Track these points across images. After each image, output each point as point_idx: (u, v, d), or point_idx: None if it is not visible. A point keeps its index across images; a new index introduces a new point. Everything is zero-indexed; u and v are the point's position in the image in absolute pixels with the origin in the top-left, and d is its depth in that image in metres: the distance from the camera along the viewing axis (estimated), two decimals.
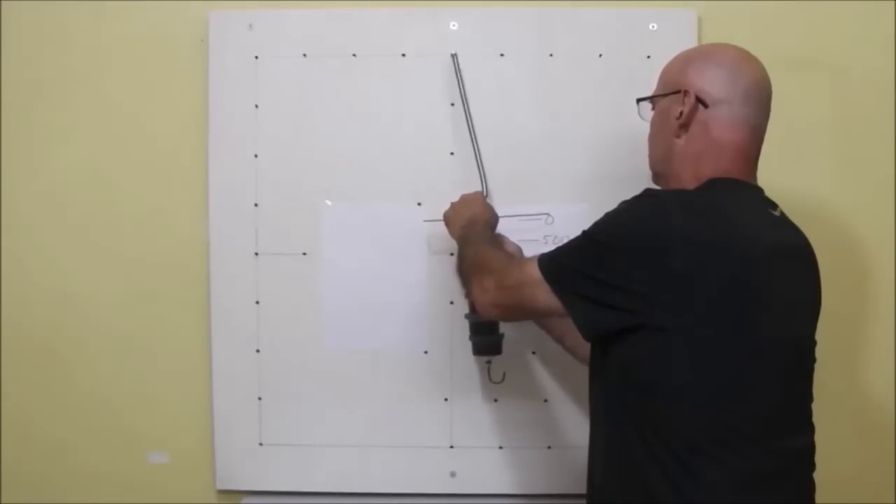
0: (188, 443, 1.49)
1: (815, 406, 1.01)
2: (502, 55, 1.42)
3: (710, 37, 1.38)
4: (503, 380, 1.39)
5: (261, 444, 1.45)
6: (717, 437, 0.90)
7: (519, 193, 1.40)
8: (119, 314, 1.48)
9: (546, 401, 1.43)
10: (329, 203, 1.43)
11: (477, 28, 1.42)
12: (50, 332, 1.49)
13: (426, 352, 1.43)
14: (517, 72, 1.41)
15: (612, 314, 0.92)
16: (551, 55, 1.41)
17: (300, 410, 1.45)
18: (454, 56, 1.40)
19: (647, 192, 0.96)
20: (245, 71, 1.43)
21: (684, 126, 1.01)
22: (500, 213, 1.33)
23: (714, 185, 0.97)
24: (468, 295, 1.22)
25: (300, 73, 1.42)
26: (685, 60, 1.04)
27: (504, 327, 1.32)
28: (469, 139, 1.39)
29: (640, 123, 1.11)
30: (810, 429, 1.00)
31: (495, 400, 1.43)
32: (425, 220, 1.39)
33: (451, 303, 1.42)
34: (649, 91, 1.09)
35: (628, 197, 0.95)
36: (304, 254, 1.43)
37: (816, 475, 1.00)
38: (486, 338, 1.32)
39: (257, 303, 1.44)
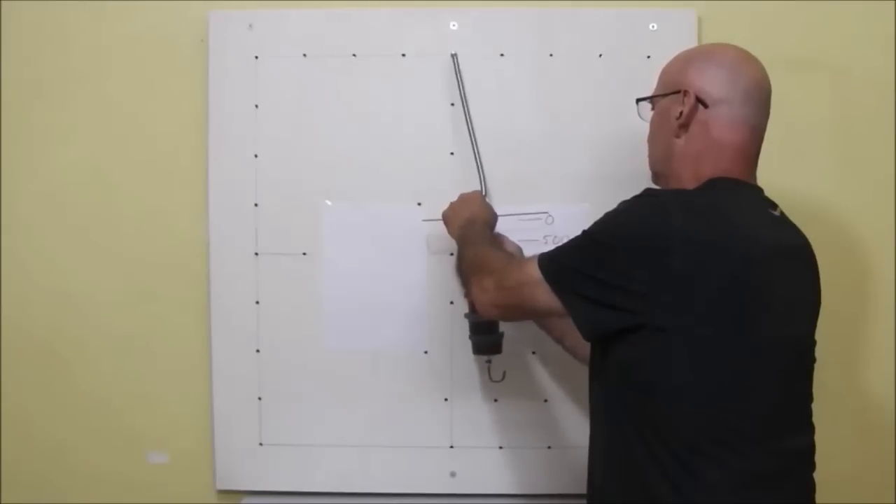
0: (188, 443, 1.49)
1: (815, 406, 1.01)
2: (502, 55, 1.42)
3: (710, 37, 1.38)
4: (503, 378, 1.39)
5: (261, 444, 1.45)
6: (717, 437, 0.90)
7: (519, 193, 1.40)
8: (119, 314, 1.48)
9: (546, 401, 1.43)
10: (329, 203, 1.43)
11: (477, 28, 1.42)
12: (50, 332, 1.49)
13: (426, 352, 1.43)
14: (517, 72, 1.41)
15: (612, 314, 0.92)
16: (551, 55, 1.41)
17: (300, 410, 1.45)
18: (454, 56, 1.40)
19: (647, 192, 0.96)
20: (245, 71, 1.43)
21: (684, 126, 1.01)
22: (499, 213, 1.33)
23: (714, 185, 0.97)
24: (468, 295, 1.22)
25: (300, 73, 1.42)
26: (685, 60, 1.04)
27: (504, 327, 1.32)
28: (469, 139, 1.39)
29: (640, 123, 1.11)
30: (810, 429, 1.00)
31: (495, 400, 1.43)
32: (424, 220, 1.39)
33: (451, 303, 1.42)
34: (649, 91, 1.09)
35: (628, 197, 0.95)
36: (304, 254, 1.43)
37: (816, 475, 1.00)
38: (486, 337, 1.32)
39: (257, 303, 1.44)
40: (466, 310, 1.35)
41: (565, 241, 1.00)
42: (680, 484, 0.90)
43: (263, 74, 1.43)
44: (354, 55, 1.42)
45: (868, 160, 1.44)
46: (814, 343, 1.02)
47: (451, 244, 1.32)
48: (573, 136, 1.41)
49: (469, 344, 1.35)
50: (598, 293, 0.92)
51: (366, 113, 1.42)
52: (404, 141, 1.42)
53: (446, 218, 1.32)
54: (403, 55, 1.42)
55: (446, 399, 1.44)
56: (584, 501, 1.07)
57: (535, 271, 0.98)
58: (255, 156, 1.43)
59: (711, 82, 1.00)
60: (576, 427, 1.40)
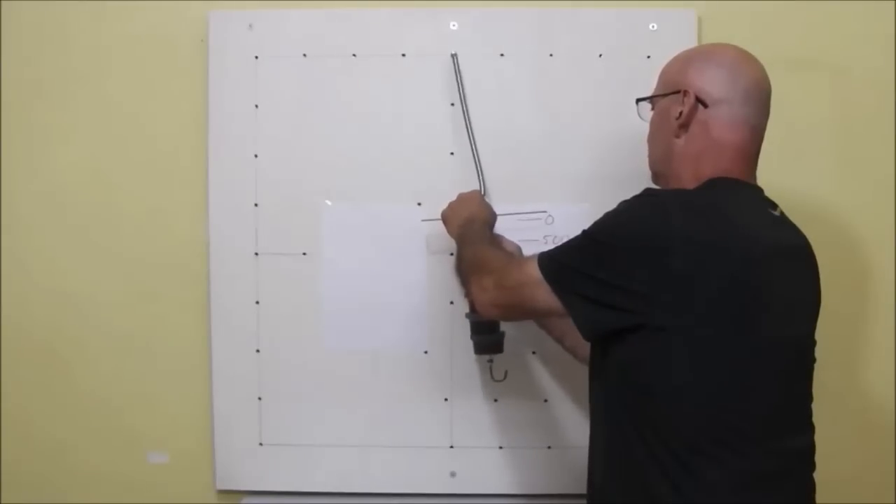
0: (188, 443, 1.49)
1: (815, 406, 1.01)
2: (502, 55, 1.42)
3: (710, 37, 1.38)
4: (505, 378, 1.39)
5: (261, 444, 1.45)
6: (717, 437, 0.90)
7: (519, 193, 1.40)
8: (119, 314, 1.48)
9: (546, 401, 1.43)
10: (329, 203, 1.43)
11: (477, 28, 1.42)
12: (50, 332, 1.49)
13: (426, 352, 1.43)
14: (517, 72, 1.41)
15: (612, 314, 0.92)
16: (551, 55, 1.41)
17: (300, 410, 1.45)
18: (454, 56, 1.41)
19: (647, 192, 0.96)
20: (245, 71, 1.43)
21: (684, 126, 1.01)
22: (498, 213, 1.33)
23: (714, 185, 0.97)
24: (467, 294, 1.22)
25: (300, 73, 1.42)
26: (685, 60, 1.04)
27: (504, 326, 1.32)
28: (468, 139, 1.40)
29: (640, 123, 1.11)
30: (810, 429, 1.00)
31: (495, 400, 1.43)
32: (423, 220, 1.39)
33: (451, 303, 1.42)
34: (649, 91, 1.09)
35: (628, 197, 0.95)
36: (304, 254, 1.43)
37: (816, 475, 1.00)
38: (486, 337, 1.32)
39: (257, 303, 1.44)
40: (467, 310, 1.35)
41: (565, 240, 1.00)
42: (680, 484, 0.90)
43: (263, 74, 1.43)
44: (354, 55, 1.42)
45: (868, 160, 1.44)
46: (814, 343, 1.02)
47: (451, 244, 1.32)
48: (573, 136, 1.41)
49: (469, 344, 1.35)
50: (598, 293, 0.92)
51: (366, 113, 1.42)
52: (404, 141, 1.42)
53: (445, 218, 1.32)
54: (403, 55, 1.42)
55: (446, 399, 1.44)
56: (584, 501, 1.07)
57: (534, 271, 0.98)
58: (255, 156, 1.43)
59: (711, 82, 1.00)
60: (576, 427, 1.40)
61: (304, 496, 1.45)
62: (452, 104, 1.41)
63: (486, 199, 1.36)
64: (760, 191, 1.02)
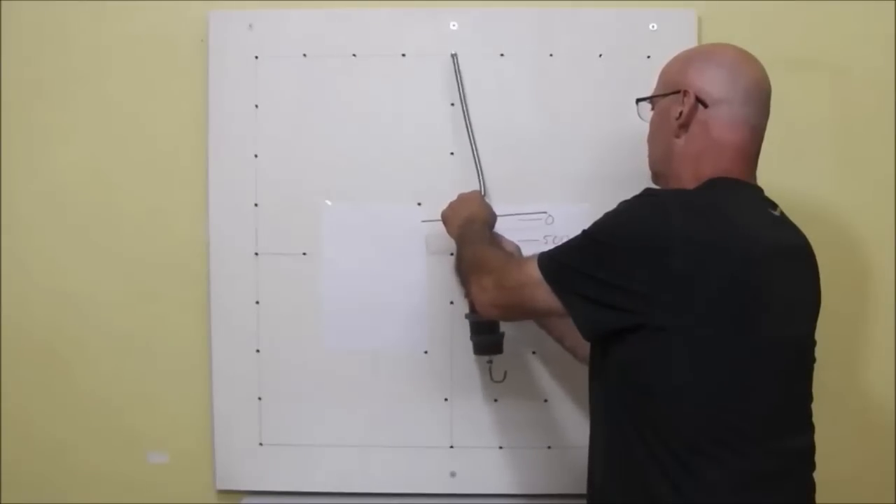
0: (188, 443, 1.49)
1: (815, 406, 1.01)
2: (502, 55, 1.42)
3: (710, 37, 1.38)
4: (504, 378, 1.39)
5: (261, 444, 1.45)
6: (717, 437, 0.90)
7: (519, 193, 1.40)
8: (119, 314, 1.48)
9: (546, 401, 1.43)
10: (329, 203, 1.43)
11: (477, 28, 1.42)
12: (50, 332, 1.49)
13: (426, 352, 1.43)
14: (517, 72, 1.41)
15: (612, 314, 0.92)
16: (551, 55, 1.41)
17: (300, 410, 1.45)
18: (454, 56, 1.41)
19: (647, 192, 0.96)
20: (245, 71, 1.43)
21: (684, 126, 1.01)
22: (498, 213, 1.33)
23: (714, 185, 0.97)
24: (467, 295, 1.22)
25: (300, 73, 1.42)
26: (685, 60, 1.04)
27: (504, 326, 1.32)
28: (468, 139, 1.40)
29: (640, 123, 1.11)
30: (810, 429, 1.00)
31: (495, 400, 1.43)
32: (423, 221, 1.39)
33: (451, 303, 1.42)
34: (649, 91, 1.09)
35: (628, 197, 0.95)
36: (304, 254, 1.43)
37: (816, 475, 1.00)
38: (486, 337, 1.32)
39: (257, 303, 1.44)
40: (466, 310, 1.35)
41: (565, 240, 1.00)
42: (680, 484, 0.90)
43: (263, 74, 1.43)
44: (354, 55, 1.42)
45: (868, 160, 1.44)
46: (814, 343, 1.02)
47: (451, 244, 1.32)
48: (573, 136, 1.41)
49: (469, 344, 1.35)
50: (598, 293, 0.92)
51: (366, 113, 1.42)
52: (404, 141, 1.42)
53: (445, 218, 1.32)
54: (403, 55, 1.42)
55: (446, 399, 1.44)
56: (584, 501, 1.07)
57: (534, 271, 0.98)
58: (255, 156, 1.43)
59: (711, 82, 1.00)
60: (576, 427, 1.40)
61: (304, 496, 1.45)
62: (452, 104, 1.41)
63: (486, 200, 1.36)
64: (760, 191, 1.02)
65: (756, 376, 0.91)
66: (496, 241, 1.28)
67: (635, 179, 1.07)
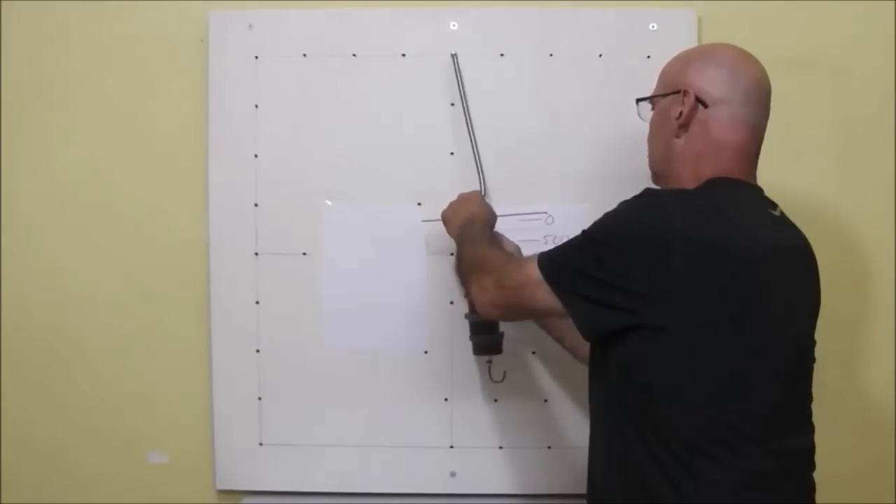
0: (188, 443, 1.49)
1: (815, 406, 1.01)
2: (502, 55, 1.42)
3: (710, 37, 1.38)
4: (504, 378, 1.39)
5: (261, 444, 1.45)
6: (717, 437, 0.90)
7: (519, 193, 1.40)
8: (119, 314, 1.48)
9: (546, 401, 1.43)
10: (329, 203, 1.43)
11: (477, 28, 1.42)
12: (50, 332, 1.49)
13: (426, 352, 1.43)
14: (517, 72, 1.41)
15: (612, 314, 0.92)
16: (551, 55, 1.41)
17: (300, 410, 1.45)
18: (454, 56, 1.41)
19: (647, 192, 0.96)
20: (245, 71, 1.43)
21: (684, 126, 1.01)
22: (498, 213, 1.33)
23: (714, 185, 0.97)
24: (467, 294, 1.22)
25: (300, 73, 1.42)
26: (685, 60, 1.04)
27: (504, 326, 1.32)
28: (468, 139, 1.40)
29: (640, 123, 1.11)
30: (810, 429, 1.00)
31: (495, 400, 1.43)
32: (423, 221, 1.39)
33: (451, 303, 1.42)
34: (649, 91, 1.09)
35: (628, 197, 0.95)
36: (304, 254, 1.43)
37: (816, 475, 1.00)
38: (486, 337, 1.32)
39: (257, 303, 1.44)
40: (466, 310, 1.35)
41: (565, 240, 1.00)
42: (680, 484, 0.90)
43: (263, 74, 1.43)
44: (354, 55, 1.42)
45: (868, 160, 1.44)
46: (814, 343, 1.02)
47: (451, 244, 1.32)
48: (573, 136, 1.41)
49: (469, 344, 1.35)
50: (598, 293, 0.92)
51: (366, 113, 1.42)
52: (404, 141, 1.42)
53: (446, 217, 1.32)
54: (403, 55, 1.42)
55: (446, 399, 1.44)
56: (584, 501, 1.07)
57: (534, 271, 0.98)
58: (255, 156, 1.43)
59: (711, 82, 1.00)
60: (576, 427, 1.40)
61: (304, 496, 1.45)
62: (452, 104, 1.41)
63: (487, 199, 1.35)
64: (760, 191, 1.02)
65: (756, 376, 0.91)
66: (496, 241, 1.28)
67: (635, 179, 1.07)
